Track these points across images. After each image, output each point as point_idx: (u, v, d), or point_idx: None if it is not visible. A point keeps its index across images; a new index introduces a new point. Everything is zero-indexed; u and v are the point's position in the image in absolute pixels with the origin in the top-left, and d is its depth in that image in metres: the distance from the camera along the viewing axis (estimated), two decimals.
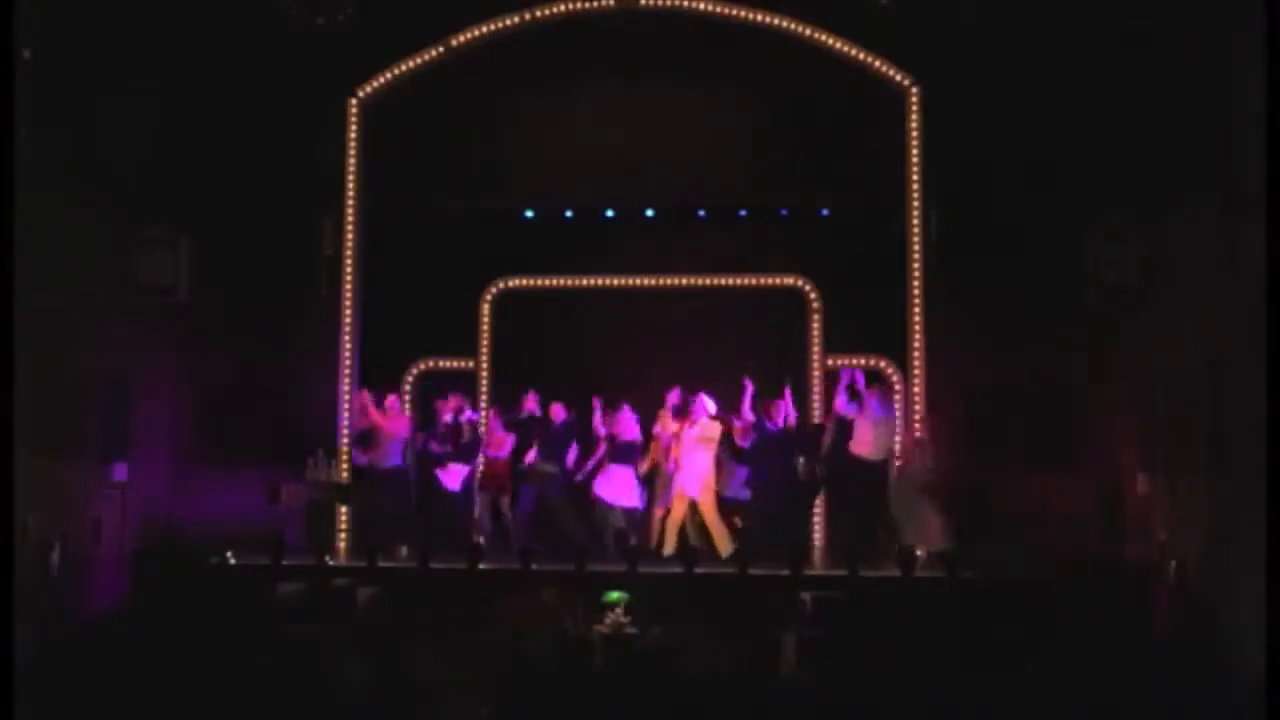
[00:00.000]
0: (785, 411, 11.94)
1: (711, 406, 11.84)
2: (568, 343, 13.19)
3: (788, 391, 12.05)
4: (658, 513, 12.02)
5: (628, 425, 12.03)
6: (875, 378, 12.45)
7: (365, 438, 12.62)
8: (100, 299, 11.77)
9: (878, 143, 12.87)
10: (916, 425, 12.20)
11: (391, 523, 12.03)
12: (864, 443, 11.75)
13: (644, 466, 12.07)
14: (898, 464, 12.00)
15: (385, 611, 10.17)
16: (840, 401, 11.88)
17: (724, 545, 11.55)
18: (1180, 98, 10.30)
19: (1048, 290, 12.25)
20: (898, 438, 12.17)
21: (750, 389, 11.92)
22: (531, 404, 12.47)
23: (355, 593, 10.41)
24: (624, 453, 11.99)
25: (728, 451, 11.99)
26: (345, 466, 12.79)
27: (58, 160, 10.72)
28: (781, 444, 11.91)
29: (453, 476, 12.35)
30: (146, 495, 12.39)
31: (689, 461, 11.65)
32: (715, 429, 11.79)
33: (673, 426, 11.92)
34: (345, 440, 12.88)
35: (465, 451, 12.41)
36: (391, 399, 12.54)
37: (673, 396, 12.05)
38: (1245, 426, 8.62)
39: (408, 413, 12.79)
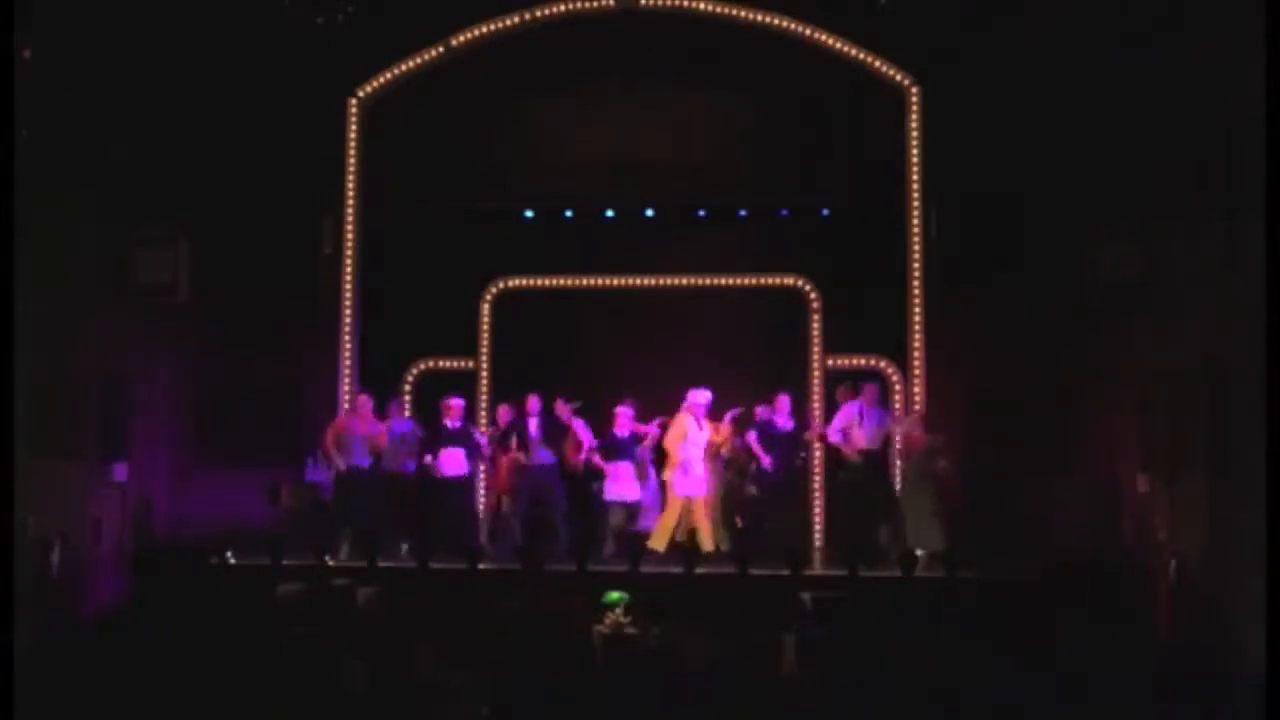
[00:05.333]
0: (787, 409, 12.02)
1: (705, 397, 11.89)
2: (568, 343, 13.19)
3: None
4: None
5: (624, 423, 12.06)
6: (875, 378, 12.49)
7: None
8: (100, 299, 11.77)
9: (878, 143, 12.87)
10: (919, 418, 12.17)
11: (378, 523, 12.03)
12: (859, 439, 11.77)
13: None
14: (901, 453, 11.97)
15: (385, 611, 10.17)
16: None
17: (706, 541, 11.60)
18: (1180, 98, 10.30)
19: (1048, 290, 12.26)
20: (897, 436, 12.15)
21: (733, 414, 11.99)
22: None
23: (355, 593, 10.41)
24: (621, 450, 12.01)
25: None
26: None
27: (58, 160, 10.71)
28: (789, 440, 11.98)
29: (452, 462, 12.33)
30: (147, 495, 12.39)
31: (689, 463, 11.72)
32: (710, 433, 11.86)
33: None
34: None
35: (461, 437, 12.40)
36: (363, 399, 12.38)
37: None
38: (1245, 426, 8.62)
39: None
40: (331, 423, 12.36)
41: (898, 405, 12.51)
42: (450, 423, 12.24)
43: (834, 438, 11.89)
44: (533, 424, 12.21)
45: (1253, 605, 7.95)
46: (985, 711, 7.38)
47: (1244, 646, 8.40)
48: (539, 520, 12.19)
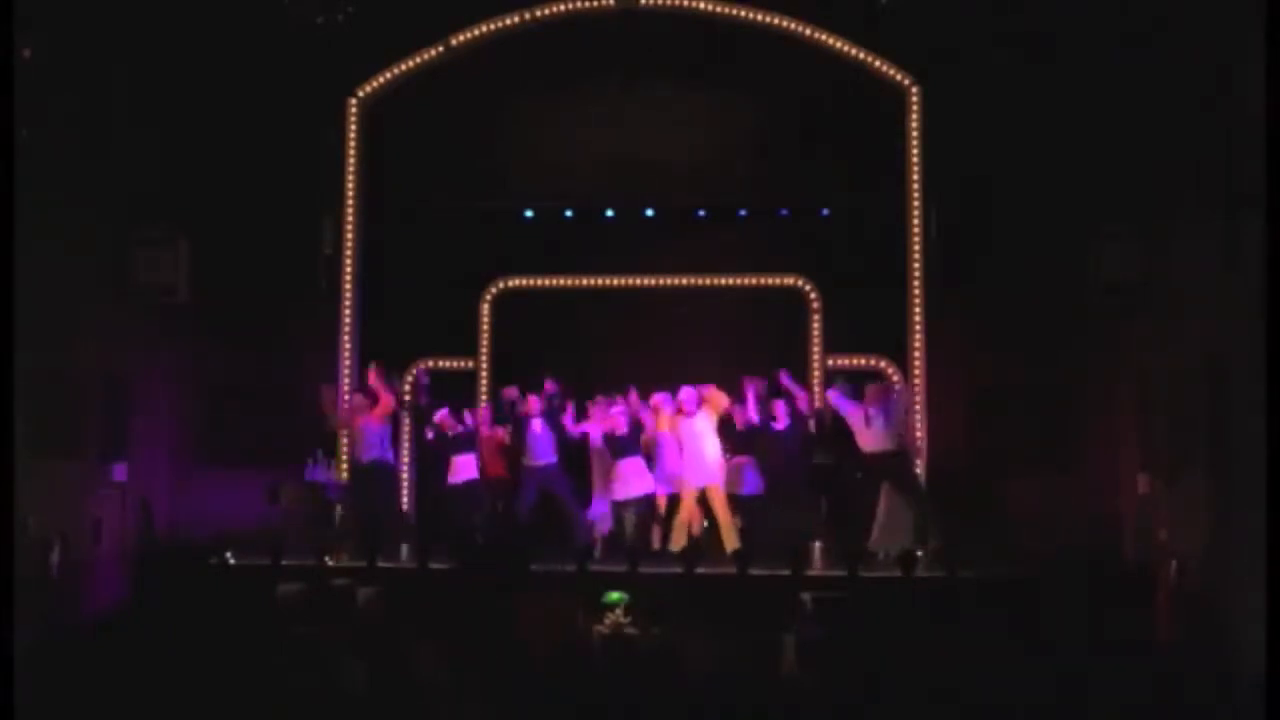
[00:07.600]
0: (788, 407, 11.96)
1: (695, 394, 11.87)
2: (568, 343, 13.19)
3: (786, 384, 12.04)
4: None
5: (622, 420, 12.05)
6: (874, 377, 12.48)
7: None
8: (100, 299, 11.77)
9: (878, 143, 12.87)
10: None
11: (378, 520, 12.02)
12: (865, 440, 11.72)
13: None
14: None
15: (385, 611, 10.17)
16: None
17: (730, 539, 11.58)
18: (1180, 98, 10.30)
19: (1048, 290, 12.27)
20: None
21: (753, 390, 11.90)
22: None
23: (355, 593, 10.40)
24: (626, 446, 12.01)
25: (728, 444, 11.98)
26: (345, 466, 12.78)
27: (58, 160, 10.71)
28: (789, 440, 11.91)
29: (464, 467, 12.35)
30: (147, 495, 12.39)
31: (692, 451, 11.69)
32: (712, 416, 11.82)
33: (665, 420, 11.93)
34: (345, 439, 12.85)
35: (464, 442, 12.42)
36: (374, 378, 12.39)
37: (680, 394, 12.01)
38: (1245, 426, 8.62)
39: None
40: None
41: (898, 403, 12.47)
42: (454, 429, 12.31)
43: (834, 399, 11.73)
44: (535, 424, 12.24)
45: (1253, 605, 7.94)
46: (985, 711, 7.38)
47: (1244, 646, 8.40)
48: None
